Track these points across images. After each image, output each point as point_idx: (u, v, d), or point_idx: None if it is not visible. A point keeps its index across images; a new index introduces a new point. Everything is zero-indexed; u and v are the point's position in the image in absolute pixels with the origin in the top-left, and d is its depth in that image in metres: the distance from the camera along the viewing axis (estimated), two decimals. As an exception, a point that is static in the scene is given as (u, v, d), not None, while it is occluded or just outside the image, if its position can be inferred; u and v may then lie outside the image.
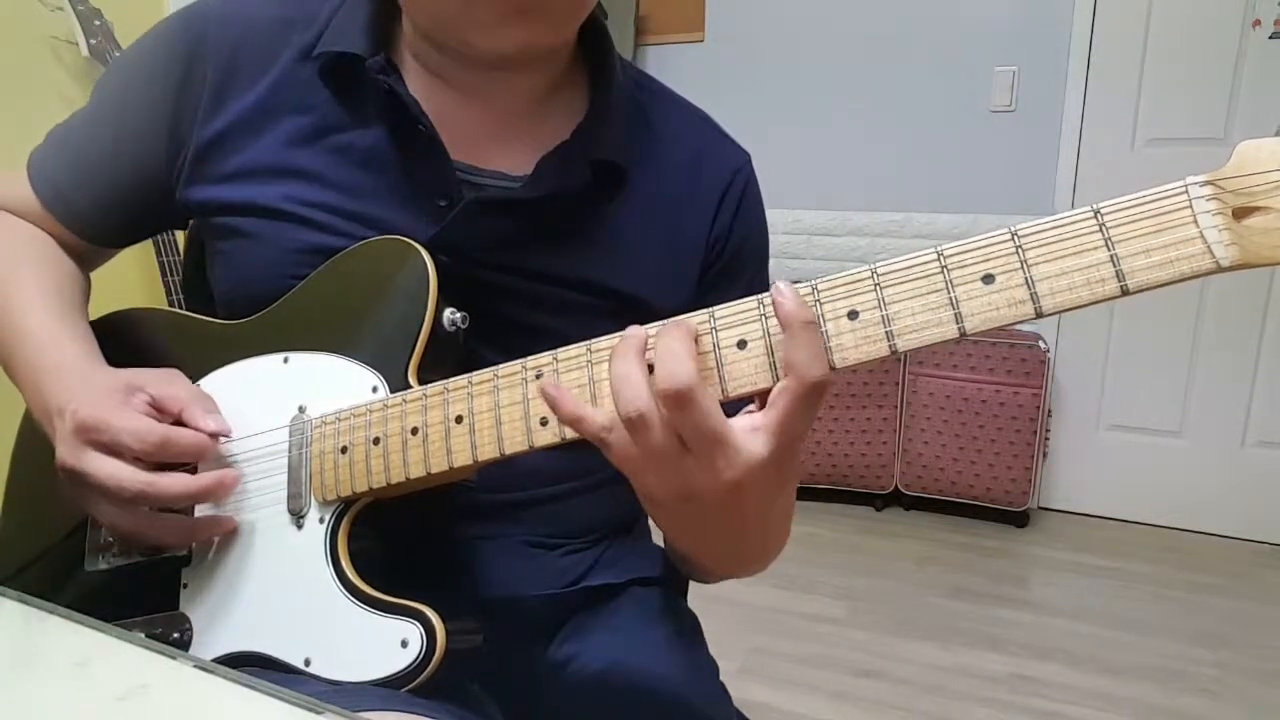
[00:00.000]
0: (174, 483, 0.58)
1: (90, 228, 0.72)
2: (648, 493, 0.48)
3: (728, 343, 0.47)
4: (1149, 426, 2.71)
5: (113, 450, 0.57)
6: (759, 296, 0.46)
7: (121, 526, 0.60)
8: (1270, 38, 2.42)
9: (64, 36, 2.07)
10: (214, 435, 0.61)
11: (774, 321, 0.46)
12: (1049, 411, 2.65)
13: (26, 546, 0.72)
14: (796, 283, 0.46)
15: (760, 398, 0.46)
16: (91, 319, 0.72)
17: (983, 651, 2.03)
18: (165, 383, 0.62)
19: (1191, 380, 2.64)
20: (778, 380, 0.45)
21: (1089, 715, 1.80)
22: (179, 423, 0.61)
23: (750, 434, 0.45)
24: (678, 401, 0.43)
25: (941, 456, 2.70)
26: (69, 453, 0.58)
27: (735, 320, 0.47)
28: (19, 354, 0.65)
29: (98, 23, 2.06)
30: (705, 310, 0.48)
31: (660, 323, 0.48)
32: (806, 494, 2.87)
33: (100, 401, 0.58)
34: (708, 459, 0.45)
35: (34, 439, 0.70)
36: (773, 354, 0.46)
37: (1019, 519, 2.72)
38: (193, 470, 0.60)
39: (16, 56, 2.01)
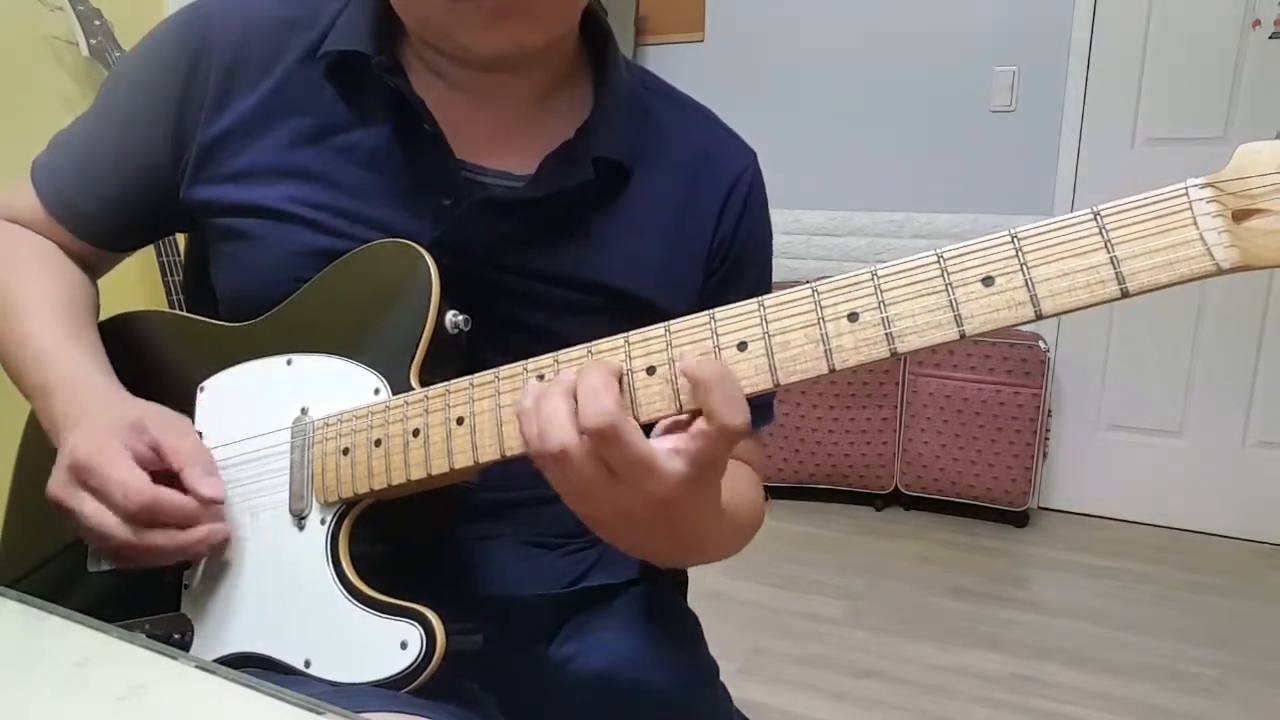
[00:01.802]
0: (159, 540, 0.58)
1: (96, 232, 0.71)
2: (584, 513, 0.51)
3: (728, 345, 0.47)
4: (1149, 426, 2.71)
5: (102, 496, 0.57)
6: (759, 299, 0.47)
7: (111, 556, 0.60)
8: (1270, 38, 2.42)
9: (64, 36, 2.07)
10: (207, 502, 0.59)
11: (774, 324, 0.46)
12: (1049, 411, 2.66)
13: (30, 548, 0.72)
14: (796, 284, 0.46)
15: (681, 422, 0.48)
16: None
17: (983, 651, 2.03)
18: (172, 433, 0.61)
19: (1191, 380, 2.64)
20: (779, 384, 0.46)
21: (1089, 715, 1.80)
22: (177, 476, 0.60)
23: (673, 455, 0.47)
24: (603, 437, 0.45)
25: (941, 456, 2.70)
26: (60, 487, 0.58)
27: (735, 324, 0.47)
28: (27, 364, 0.65)
29: (98, 23, 2.06)
30: (705, 312, 0.48)
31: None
32: (806, 494, 2.87)
33: (101, 441, 0.57)
34: (636, 483, 0.47)
35: (39, 443, 0.70)
36: (772, 355, 0.46)
37: (1019, 519, 2.72)
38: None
39: (16, 56, 2.01)
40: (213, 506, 0.60)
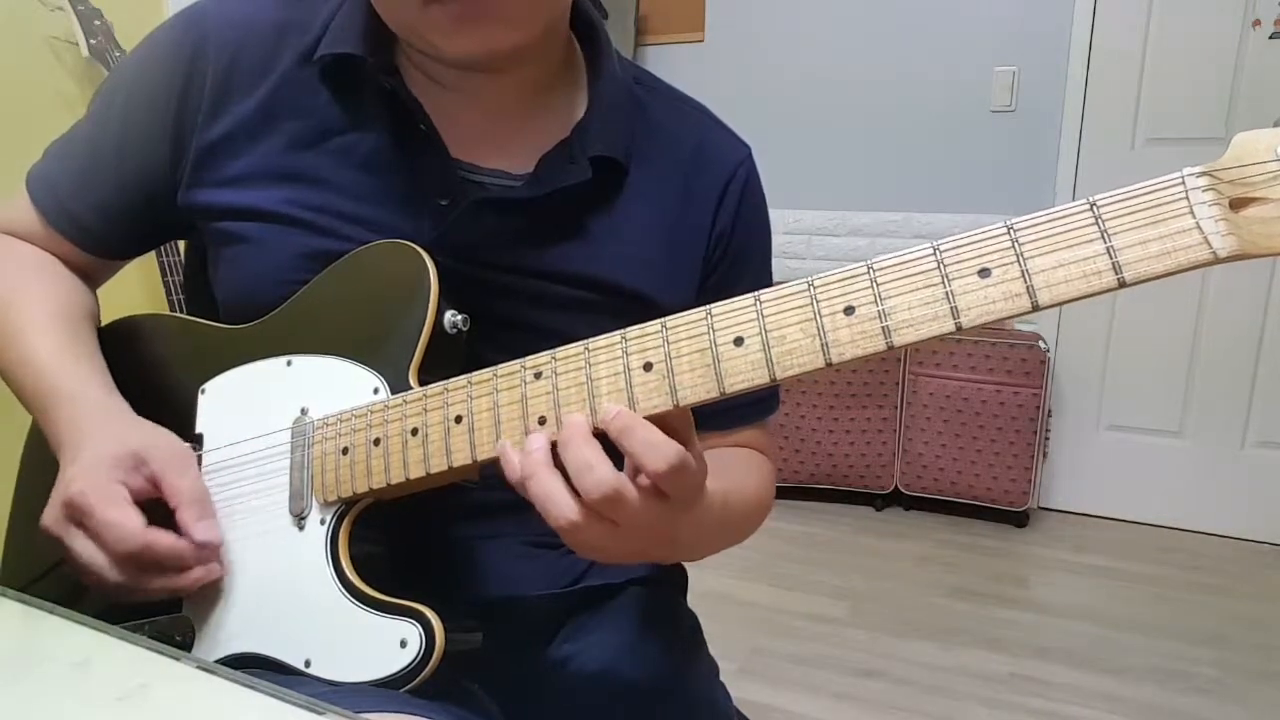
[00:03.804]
0: (152, 583, 0.58)
1: (96, 240, 0.71)
2: (592, 557, 0.52)
3: (724, 340, 0.47)
4: (1149, 426, 2.71)
5: (95, 538, 0.57)
6: (756, 294, 0.47)
7: (105, 592, 0.59)
8: (1270, 38, 2.42)
9: (64, 36, 2.07)
10: (202, 546, 0.59)
11: (770, 319, 0.46)
12: (1049, 411, 2.65)
13: (34, 556, 0.72)
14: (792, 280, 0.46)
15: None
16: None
17: (983, 651, 2.03)
18: (172, 469, 0.60)
19: (1191, 380, 2.64)
20: (775, 378, 0.46)
21: (1089, 715, 1.80)
22: (173, 513, 0.59)
23: (660, 494, 0.48)
24: (609, 504, 0.47)
25: (941, 456, 2.70)
26: (55, 523, 0.58)
27: (731, 319, 0.47)
28: (28, 380, 0.65)
29: (98, 23, 2.06)
30: (702, 308, 0.48)
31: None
32: (806, 494, 2.87)
33: (98, 477, 0.57)
34: (637, 529, 0.49)
35: (42, 451, 0.69)
36: (769, 350, 0.46)
37: (1019, 519, 2.72)
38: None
39: (16, 56, 2.01)
40: (206, 552, 0.59)
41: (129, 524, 0.56)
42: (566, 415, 0.50)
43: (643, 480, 0.48)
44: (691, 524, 0.52)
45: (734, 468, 0.71)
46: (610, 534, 0.49)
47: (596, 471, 0.47)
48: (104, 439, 0.59)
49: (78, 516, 0.57)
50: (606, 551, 0.51)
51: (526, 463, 0.49)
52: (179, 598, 0.63)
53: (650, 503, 0.48)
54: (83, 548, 0.57)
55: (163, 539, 0.57)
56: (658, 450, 0.46)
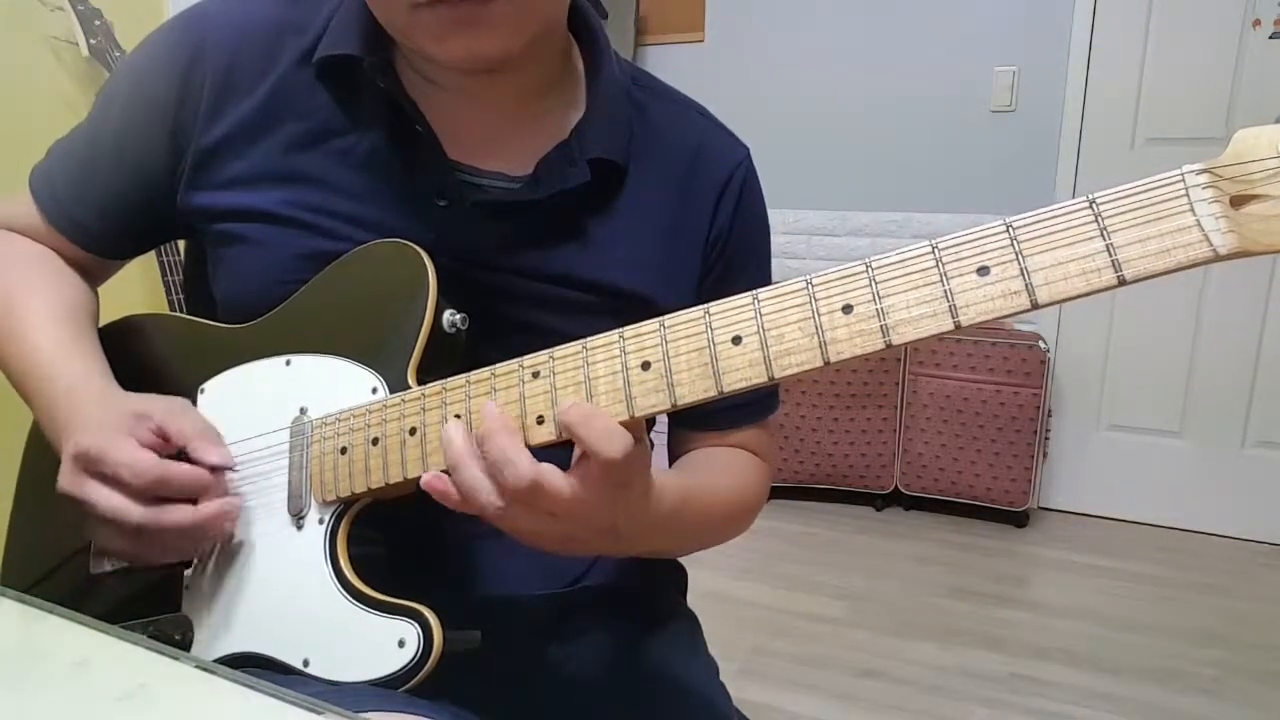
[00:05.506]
0: (176, 515, 0.58)
1: (96, 240, 0.71)
2: (532, 544, 0.53)
3: (723, 339, 0.47)
4: (1149, 426, 2.71)
5: (112, 482, 0.57)
6: (754, 292, 0.47)
7: (125, 551, 0.60)
8: (1270, 38, 2.42)
9: (64, 36, 2.07)
10: (217, 469, 0.60)
11: (769, 318, 0.46)
12: (1049, 411, 2.65)
13: (34, 551, 0.72)
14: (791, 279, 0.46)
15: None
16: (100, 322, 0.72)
17: (983, 651, 2.03)
18: (173, 413, 0.61)
19: (1191, 380, 2.64)
20: (773, 377, 0.46)
21: (1089, 715, 1.80)
22: (184, 454, 0.60)
23: (595, 482, 0.49)
24: (531, 494, 0.49)
25: (941, 456, 2.70)
26: (69, 480, 0.58)
27: (729, 317, 0.47)
28: (30, 375, 0.65)
29: (98, 23, 2.05)
30: (700, 306, 0.48)
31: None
32: (806, 494, 2.87)
33: (103, 431, 0.58)
34: (573, 518, 0.50)
35: (42, 448, 0.70)
36: (767, 348, 0.46)
37: (1019, 519, 2.72)
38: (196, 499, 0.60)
39: (16, 57, 2.01)
40: (223, 480, 0.60)
41: (143, 458, 0.57)
42: (478, 404, 0.52)
43: (584, 470, 0.49)
44: (633, 513, 0.53)
45: (704, 466, 0.71)
46: (545, 522, 0.50)
47: (517, 466, 0.48)
48: (103, 406, 0.60)
49: (91, 466, 0.57)
50: (543, 538, 0.52)
51: (450, 454, 0.50)
52: (178, 598, 0.63)
53: (588, 491, 0.49)
54: (100, 495, 0.57)
55: (180, 466, 0.58)
56: (614, 437, 0.48)
